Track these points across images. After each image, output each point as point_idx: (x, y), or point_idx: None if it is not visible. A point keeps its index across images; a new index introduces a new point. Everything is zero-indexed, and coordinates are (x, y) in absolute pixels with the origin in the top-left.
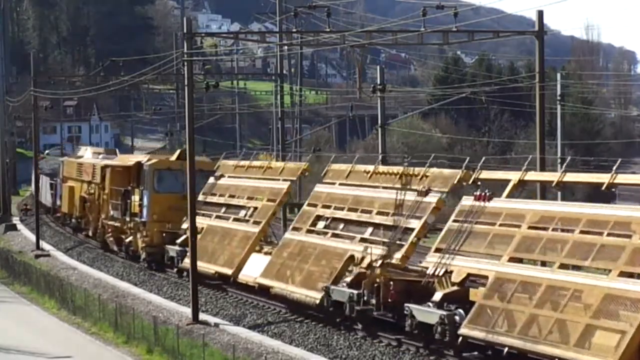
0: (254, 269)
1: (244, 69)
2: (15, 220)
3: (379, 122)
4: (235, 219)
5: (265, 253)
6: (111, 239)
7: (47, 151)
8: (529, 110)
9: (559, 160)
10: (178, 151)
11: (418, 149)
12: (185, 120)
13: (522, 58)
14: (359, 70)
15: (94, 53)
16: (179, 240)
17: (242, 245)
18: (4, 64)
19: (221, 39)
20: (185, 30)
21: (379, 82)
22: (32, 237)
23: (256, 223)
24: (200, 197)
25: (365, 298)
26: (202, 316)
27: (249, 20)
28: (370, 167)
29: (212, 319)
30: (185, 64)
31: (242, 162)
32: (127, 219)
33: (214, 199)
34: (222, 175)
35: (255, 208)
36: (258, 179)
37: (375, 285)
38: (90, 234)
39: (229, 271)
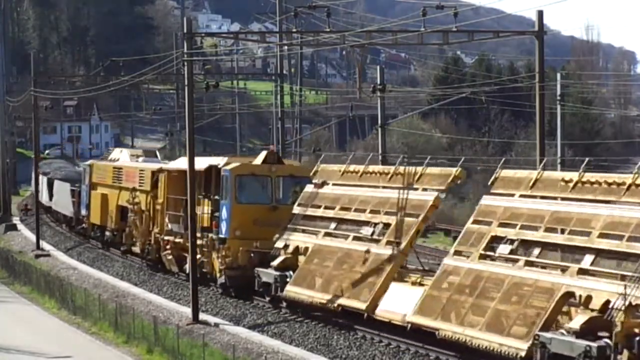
0: (399, 304)
1: (244, 69)
2: (16, 220)
3: (379, 122)
4: (357, 238)
5: (413, 283)
6: (170, 257)
7: (47, 151)
8: (529, 110)
9: (558, 161)
10: (264, 153)
11: (418, 149)
12: (185, 120)
13: (522, 58)
14: (359, 70)
15: (94, 53)
16: (275, 262)
17: (375, 272)
18: (4, 64)
19: (221, 39)
20: (185, 30)
21: (379, 82)
22: (32, 237)
23: (391, 243)
24: (296, 210)
25: (614, 355)
26: (202, 316)
27: (249, 20)
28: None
29: (212, 319)
30: (185, 64)
31: (354, 167)
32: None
33: (318, 212)
34: (324, 183)
35: (387, 224)
36: (383, 188)
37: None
38: (131, 248)
39: (360, 304)
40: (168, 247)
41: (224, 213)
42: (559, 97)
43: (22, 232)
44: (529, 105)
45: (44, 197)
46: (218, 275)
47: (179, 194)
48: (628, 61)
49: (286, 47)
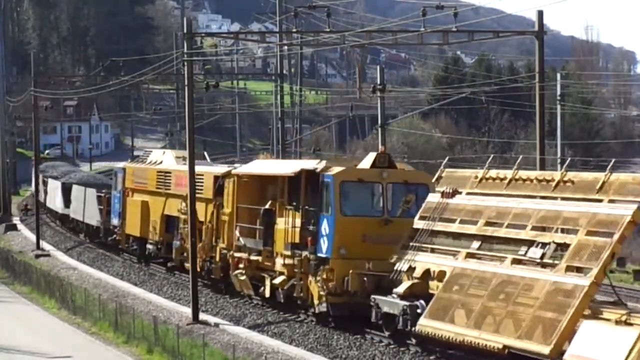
0: (601, 349)
1: (244, 69)
2: (16, 220)
3: (379, 122)
4: (517, 261)
5: (617, 321)
6: (242, 277)
7: (47, 151)
8: (528, 110)
9: (558, 161)
10: (372, 155)
11: (418, 149)
12: (185, 120)
13: (522, 58)
14: (359, 70)
15: (94, 53)
16: (399, 289)
17: (556, 306)
18: (4, 64)
19: (221, 39)
20: (185, 30)
21: (379, 82)
22: (32, 237)
23: (574, 269)
24: (419, 224)
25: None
26: (202, 316)
27: (249, 20)
28: None
29: (212, 319)
30: (185, 64)
31: (496, 173)
32: (276, 250)
33: (452, 228)
34: (455, 192)
35: (562, 245)
36: (546, 199)
37: None
38: (183, 265)
39: (539, 348)
40: (240, 265)
41: (324, 227)
42: (559, 97)
43: (22, 232)
44: (529, 105)
45: (56, 204)
46: (316, 302)
47: (253, 203)
48: (628, 61)
49: (286, 47)
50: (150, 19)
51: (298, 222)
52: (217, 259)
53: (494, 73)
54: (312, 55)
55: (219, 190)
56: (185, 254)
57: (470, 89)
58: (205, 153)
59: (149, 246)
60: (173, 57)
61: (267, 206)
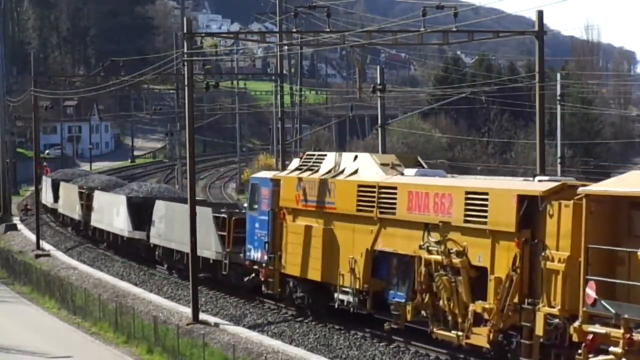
0: None
1: (244, 69)
2: (16, 220)
3: (379, 122)
4: None
5: None
6: None
7: (47, 151)
8: (528, 110)
9: (558, 161)
10: None
11: (418, 149)
12: (185, 120)
13: (522, 58)
14: (359, 70)
15: (94, 53)
16: None
17: None
18: (4, 64)
19: (221, 39)
20: (185, 30)
21: (379, 82)
22: (33, 237)
23: None
24: None
25: None
26: (202, 316)
27: (249, 20)
28: None
29: (212, 319)
30: (185, 64)
31: None
32: None
33: None
34: None
35: None
36: None
37: None
38: (433, 331)
39: None
40: (613, 348)
41: None
42: (558, 97)
43: (22, 232)
44: (528, 105)
45: (119, 224)
46: None
47: (616, 242)
48: (628, 61)
49: (286, 47)
50: (150, 19)
51: None
52: (539, 331)
53: (494, 73)
54: (312, 55)
55: (529, 218)
56: (423, 313)
57: (470, 89)
58: (419, 158)
59: (341, 296)
60: (173, 57)
61: None
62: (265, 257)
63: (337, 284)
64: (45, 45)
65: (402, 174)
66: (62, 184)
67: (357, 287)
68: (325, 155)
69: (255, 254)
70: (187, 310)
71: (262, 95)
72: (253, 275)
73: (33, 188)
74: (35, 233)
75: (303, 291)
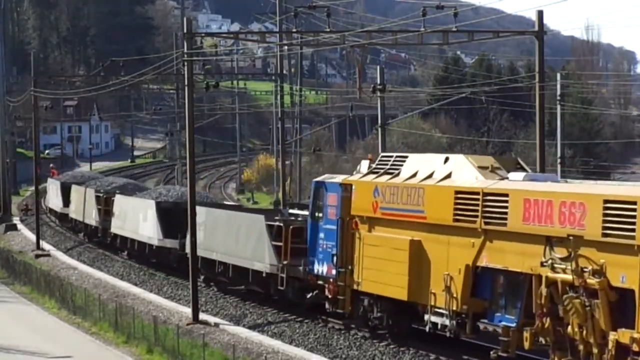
0: None
1: (244, 69)
2: (15, 220)
3: (379, 122)
4: None
5: None
6: None
7: (47, 151)
8: (528, 110)
9: (558, 161)
10: None
11: (418, 149)
12: (185, 120)
13: (522, 58)
14: (359, 70)
15: (94, 53)
16: None
17: None
18: (4, 64)
19: (221, 39)
20: (185, 30)
21: (379, 82)
22: (32, 237)
23: None
24: None
25: None
26: (202, 316)
27: (249, 20)
28: None
29: (212, 319)
30: (185, 64)
31: None
32: None
33: None
34: None
35: None
36: None
37: None
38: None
39: None
40: None
41: None
42: (559, 97)
43: (22, 232)
44: (528, 105)
45: (147, 231)
46: None
47: None
48: (628, 61)
49: (286, 47)
50: (150, 19)
51: None
52: None
53: (494, 73)
54: (312, 55)
55: None
56: (542, 340)
57: (470, 89)
58: (520, 160)
59: (433, 318)
60: (173, 57)
61: None
62: (333, 272)
63: (428, 303)
64: (45, 45)
65: (506, 178)
66: (74, 187)
67: (455, 308)
68: (405, 156)
69: (320, 268)
70: (187, 310)
71: (262, 95)
72: (316, 291)
73: (33, 188)
74: (35, 233)
75: (381, 311)
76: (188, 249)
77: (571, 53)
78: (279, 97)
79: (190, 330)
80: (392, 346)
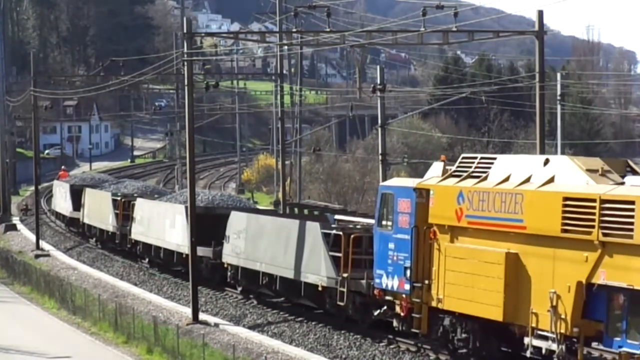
0: None
1: (244, 69)
2: (15, 220)
3: (379, 122)
4: None
5: None
6: None
7: (47, 151)
8: (529, 110)
9: None
10: None
11: (418, 149)
12: (185, 120)
13: (522, 58)
14: (359, 70)
15: (94, 53)
16: None
17: None
18: (4, 64)
19: (221, 39)
20: (185, 30)
21: (379, 82)
22: (32, 237)
23: None
24: None
25: None
26: (202, 316)
27: (249, 20)
28: None
29: (212, 319)
30: (185, 64)
31: None
32: None
33: None
34: None
35: None
36: None
37: None
38: None
39: None
40: None
41: None
42: (559, 97)
43: (22, 232)
44: (529, 105)
45: (176, 238)
46: None
47: None
48: (628, 61)
49: (286, 47)
50: (150, 19)
51: None
52: None
53: (494, 73)
54: (312, 55)
55: None
56: None
57: (470, 89)
58: (630, 162)
59: (536, 342)
60: (173, 57)
61: None
62: (406, 286)
63: (529, 325)
64: (45, 45)
65: (622, 183)
66: (87, 190)
67: (563, 330)
68: (493, 158)
69: (390, 282)
70: (187, 310)
71: (262, 95)
72: (385, 308)
73: (33, 188)
74: (34, 233)
75: (467, 332)
76: (225, 258)
77: (571, 53)
78: (278, 97)
79: (190, 330)
80: (392, 346)
